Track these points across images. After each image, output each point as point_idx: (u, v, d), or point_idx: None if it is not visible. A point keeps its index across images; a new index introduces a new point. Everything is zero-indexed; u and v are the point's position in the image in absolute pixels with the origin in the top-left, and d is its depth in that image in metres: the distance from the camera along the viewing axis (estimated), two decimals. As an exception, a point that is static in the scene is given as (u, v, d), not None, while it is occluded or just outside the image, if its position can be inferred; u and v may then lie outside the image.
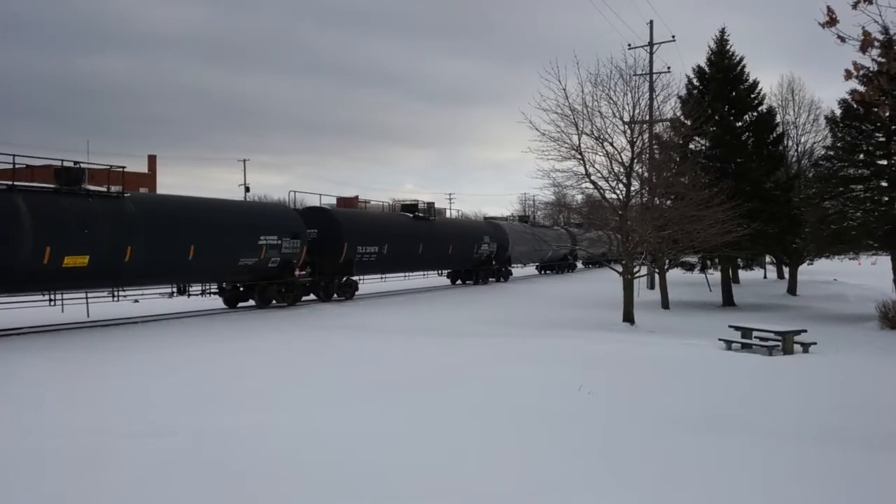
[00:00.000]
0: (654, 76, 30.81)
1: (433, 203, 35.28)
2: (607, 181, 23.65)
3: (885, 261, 29.14)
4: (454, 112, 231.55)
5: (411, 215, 33.46)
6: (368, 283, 31.43)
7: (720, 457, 7.11)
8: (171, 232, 19.71)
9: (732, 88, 31.79)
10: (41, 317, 19.20)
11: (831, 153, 29.05)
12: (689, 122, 27.72)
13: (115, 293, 20.47)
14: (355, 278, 28.52)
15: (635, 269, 23.82)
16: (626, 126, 23.16)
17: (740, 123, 32.16)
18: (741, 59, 32.28)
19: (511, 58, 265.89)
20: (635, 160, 23.65)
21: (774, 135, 33.50)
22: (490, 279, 40.97)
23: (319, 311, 23.31)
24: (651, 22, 35.89)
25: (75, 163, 18.37)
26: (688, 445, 7.50)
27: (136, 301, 24.26)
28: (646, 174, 25.81)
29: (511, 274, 43.78)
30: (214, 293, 24.00)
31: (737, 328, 17.89)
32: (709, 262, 33.03)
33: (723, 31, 32.46)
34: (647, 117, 26.27)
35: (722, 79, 31.62)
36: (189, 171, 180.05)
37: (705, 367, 13.15)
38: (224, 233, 21.58)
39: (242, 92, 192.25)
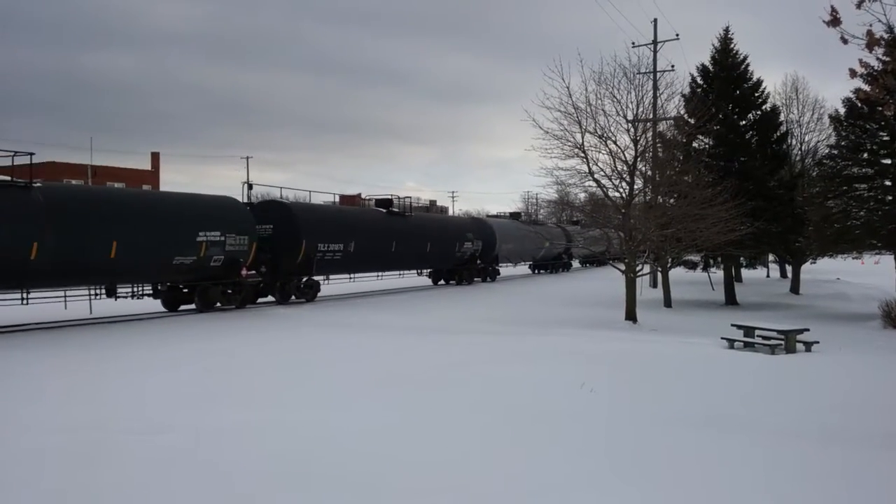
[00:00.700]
0: (658, 74, 30.84)
1: (409, 197, 33.41)
2: (610, 179, 23.63)
3: (888, 260, 29.11)
4: (458, 110, 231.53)
5: (385, 211, 31.26)
6: (337, 284, 29.64)
7: (722, 455, 7.11)
8: (89, 226, 17.65)
9: (736, 87, 31.73)
10: (44, 314, 19.24)
11: (835, 152, 29.00)
12: (692, 121, 27.69)
13: (25, 296, 17.87)
14: (317, 279, 26.51)
15: (638, 268, 23.80)
16: (630, 124, 23.12)
17: (744, 122, 32.11)
18: (745, 58, 32.22)
19: (515, 56, 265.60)
20: (639, 158, 23.60)
21: (778, 133, 33.44)
22: (476, 279, 39.09)
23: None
24: (655, 20, 35.82)
25: None
26: (690, 444, 7.50)
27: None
28: (649, 172, 25.77)
29: (498, 273, 42.08)
30: (149, 295, 21.32)
31: (739, 327, 17.86)
32: (711, 261, 32.99)
33: (727, 30, 32.39)
34: (651, 115, 26.22)
35: (726, 77, 31.56)
36: (193, 168, 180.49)
37: (708, 366, 13.14)
38: (155, 228, 19.33)
39: (246, 89, 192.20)
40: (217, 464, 6.58)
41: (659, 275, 33.43)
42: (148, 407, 8.88)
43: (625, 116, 22.96)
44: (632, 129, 23.17)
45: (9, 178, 17.10)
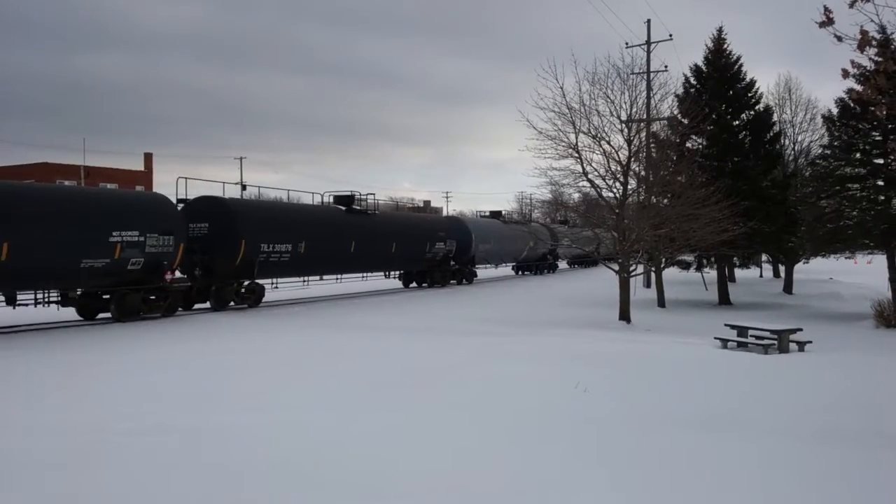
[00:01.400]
0: (652, 75, 30.79)
1: (373, 194, 30.85)
2: (604, 179, 23.67)
3: (880, 260, 29.18)
4: (453, 110, 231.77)
5: (344, 208, 28.90)
6: (287, 289, 28.06)
7: (717, 455, 7.12)
8: None
9: (729, 87, 31.80)
10: (40, 315, 19.16)
11: (828, 152, 29.08)
12: (686, 121, 27.73)
13: None
14: (262, 282, 24.28)
15: (632, 268, 23.83)
16: (624, 124, 23.17)
17: (737, 122, 32.17)
18: (738, 58, 32.31)
19: (510, 57, 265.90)
20: (632, 159, 23.66)
21: (771, 133, 33.53)
22: (451, 281, 36.91)
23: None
24: (648, 21, 35.84)
25: None
26: (684, 443, 7.50)
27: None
28: (643, 173, 25.81)
29: (475, 275, 39.74)
30: (56, 302, 18.94)
31: (733, 327, 17.91)
32: (705, 261, 33.05)
33: (720, 30, 32.47)
34: (645, 116, 26.26)
35: (719, 78, 31.63)
36: (186, 169, 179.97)
37: (702, 366, 13.16)
38: (57, 227, 17.05)
39: (240, 90, 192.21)
40: (220, 462, 6.56)
41: (653, 275, 33.49)
42: (142, 408, 8.84)
43: (618, 117, 23.02)
44: (625, 130, 23.22)
45: None
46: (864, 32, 6.43)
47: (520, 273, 50.26)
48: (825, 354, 15.81)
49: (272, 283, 25.91)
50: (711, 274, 34.91)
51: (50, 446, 7.11)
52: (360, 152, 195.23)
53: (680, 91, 31.09)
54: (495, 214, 45.49)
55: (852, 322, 24.87)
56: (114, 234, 18.34)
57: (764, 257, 45.04)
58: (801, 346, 16.72)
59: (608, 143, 22.99)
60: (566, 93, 22.49)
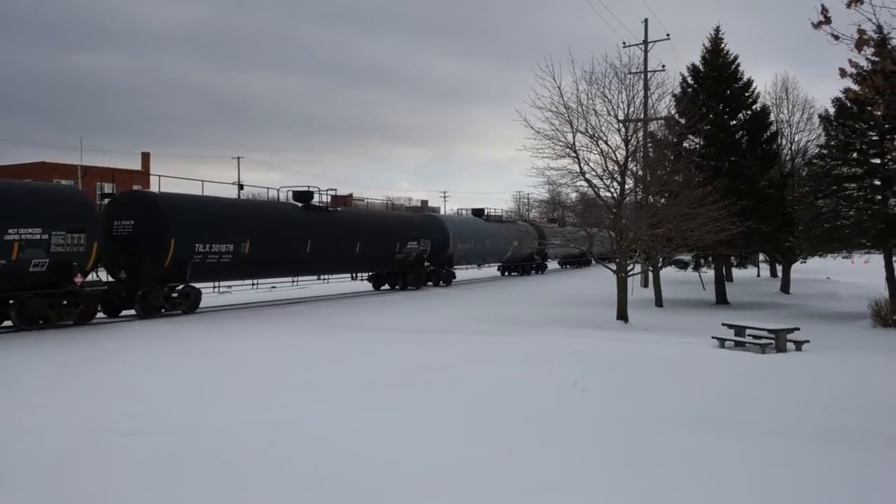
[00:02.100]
0: (649, 74, 30.85)
1: (335, 190, 28.82)
2: (602, 179, 23.68)
3: (877, 259, 29.21)
4: (450, 110, 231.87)
5: (301, 205, 26.46)
6: (239, 292, 25.89)
7: (714, 454, 7.12)
8: None
9: (727, 87, 31.84)
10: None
11: (825, 152, 29.12)
12: (683, 121, 27.78)
13: None
14: (198, 286, 21.81)
15: (629, 268, 23.85)
16: (621, 124, 23.19)
17: (734, 122, 32.22)
18: (735, 58, 32.35)
19: (507, 56, 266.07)
20: (630, 158, 23.67)
21: (768, 133, 33.59)
22: (428, 283, 34.48)
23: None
24: (646, 20, 35.91)
25: None
26: (682, 443, 7.51)
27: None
28: (640, 172, 25.84)
29: (454, 276, 36.99)
30: None
31: (730, 326, 17.93)
32: (702, 261, 33.10)
33: (717, 30, 32.51)
34: (642, 115, 26.29)
35: (716, 77, 31.67)
36: (184, 168, 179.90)
37: (699, 366, 13.17)
38: None
39: (238, 89, 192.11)
40: (219, 461, 6.55)
41: (650, 274, 33.51)
42: (147, 407, 8.83)
43: (616, 116, 23.04)
44: (623, 129, 23.24)
45: None
46: (861, 32, 6.44)
47: (505, 274, 47.94)
48: (822, 354, 15.84)
49: (214, 288, 23.58)
50: (709, 273, 34.96)
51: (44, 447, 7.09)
52: (358, 151, 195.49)
53: (677, 91, 31.12)
54: (478, 212, 42.99)
55: (849, 321, 24.92)
56: (10, 232, 16.17)
57: (761, 257, 45.13)
58: (799, 345, 16.75)
59: (605, 142, 23.03)
60: (564, 92, 22.53)
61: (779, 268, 44.06)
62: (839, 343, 18.77)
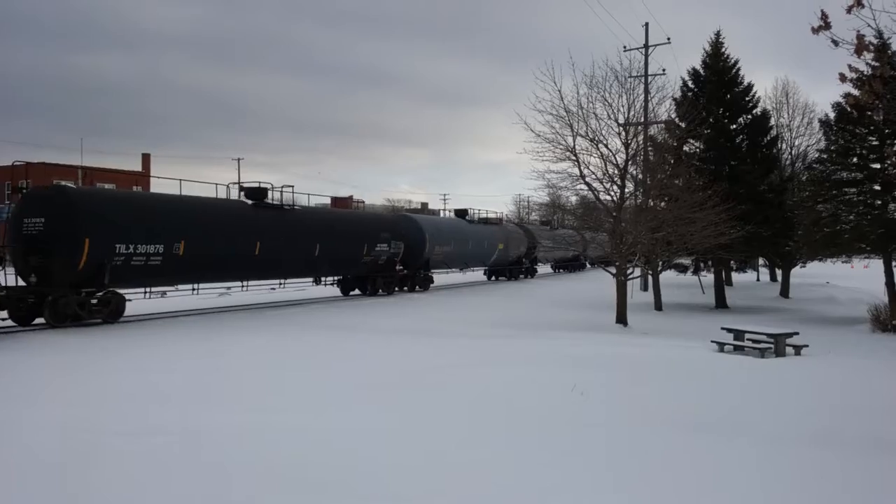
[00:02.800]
0: (650, 78, 30.87)
1: (293, 187, 25.91)
2: (602, 183, 23.73)
3: (877, 264, 29.26)
4: (451, 112, 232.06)
5: (251, 202, 23.81)
6: (180, 297, 23.34)
7: (715, 458, 7.12)
8: None
9: (727, 91, 31.90)
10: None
11: (825, 156, 29.17)
12: (683, 125, 27.80)
13: None
14: (122, 291, 19.38)
15: (629, 271, 23.86)
16: (621, 128, 23.22)
17: (734, 126, 32.28)
18: (736, 62, 32.42)
19: (508, 59, 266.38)
20: (630, 162, 23.70)
21: (768, 137, 33.66)
22: (404, 288, 32.17)
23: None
24: (647, 24, 35.92)
25: None
26: (683, 447, 7.51)
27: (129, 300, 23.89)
28: (640, 176, 25.87)
29: (431, 281, 34.42)
30: None
31: (729, 330, 17.91)
32: (702, 265, 33.12)
33: (718, 34, 32.58)
34: (642, 119, 26.32)
35: (717, 81, 31.72)
36: (184, 170, 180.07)
37: (699, 370, 13.16)
38: None
39: (238, 91, 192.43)
40: (215, 463, 6.54)
41: (650, 278, 33.53)
42: (141, 408, 8.82)
43: (616, 120, 23.08)
44: (623, 133, 23.28)
45: None
46: (860, 37, 6.44)
47: (493, 278, 45.19)
48: (821, 358, 15.83)
49: (146, 293, 20.80)
50: (708, 277, 35.00)
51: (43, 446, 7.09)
52: (358, 153, 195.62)
53: (677, 94, 31.21)
54: (461, 213, 40.67)
55: (849, 326, 24.93)
56: None
57: (761, 261, 45.14)
58: (798, 349, 16.74)
59: (606, 146, 23.08)
60: (564, 96, 22.60)
61: (778, 272, 44.09)
62: (838, 348, 18.77)
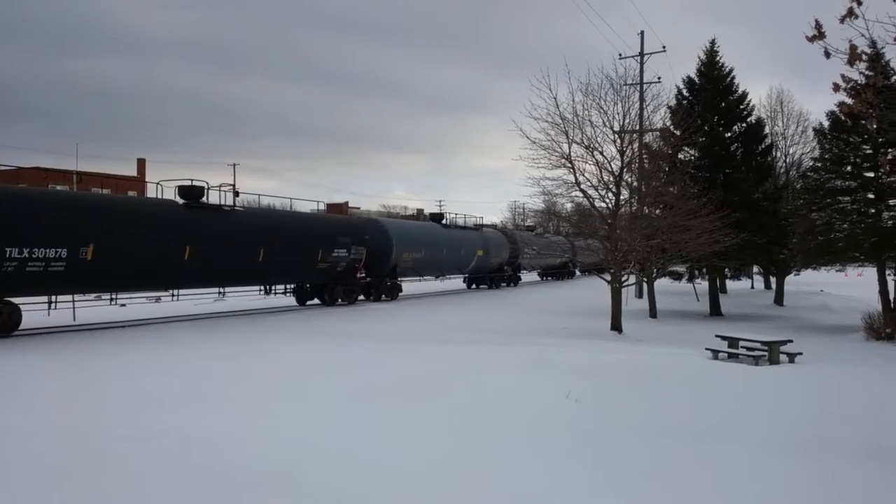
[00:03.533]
0: (645, 86, 31.02)
1: (232, 185, 24.16)
2: (597, 190, 23.78)
3: (871, 272, 29.36)
4: (448, 119, 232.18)
5: (183, 202, 21.66)
6: (88, 308, 20.45)
7: (709, 466, 7.12)
8: None
9: (722, 99, 32.04)
10: (28, 320, 19.04)
11: (819, 165, 29.31)
12: (678, 132, 27.89)
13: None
14: (16, 302, 17.36)
15: (624, 278, 23.90)
16: (616, 135, 23.28)
17: (729, 134, 32.43)
18: (731, 70, 32.58)
19: (505, 66, 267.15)
20: (625, 169, 23.76)
21: (763, 146, 33.79)
22: (370, 297, 30.19)
23: None
24: (642, 33, 36.17)
25: None
26: (676, 455, 7.51)
27: (124, 305, 23.88)
28: (635, 183, 25.93)
29: (399, 290, 32.09)
30: None
31: (723, 338, 17.95)
32: (696, 272, 33.19)
33: (713, 43, 32.73)
34: (637, 127, 26.41)
35: (711, 89, 31.87)
36: (179, 175, 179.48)
37: (693, 377, 13.18)
38: None
39: (234, 96, 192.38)
40: (213, 469, 6.53)
41: (644, 285, 33.59)
42: (139, 413, 8.79)
43: (611, 127, 23.15)
44: (618, 140, 23.33)
45: None
46: (853, 47, 6.48)
47: (476, 286, 42.76)
48: (816, 366, 15.88)
49: (51, 303, 18.56)
50: (703, 285, 35.06)
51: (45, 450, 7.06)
52: (355, 160, 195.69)
53: (672, 102, 31.32)
54: (436, 217, 38.49)
55: (843, 334, 24.99)
56: None
57: (755, 269, 45.31)
58: (792, 357, 16.78)
59: (601, 153, 23.14)
60: (559, 103, 22.71)
61: (773, 280, 44.22)
62: (832, 356, 18.81)
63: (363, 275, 29.75)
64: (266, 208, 26.49)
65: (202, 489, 6.11)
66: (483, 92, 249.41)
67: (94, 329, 18.94)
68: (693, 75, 32.79)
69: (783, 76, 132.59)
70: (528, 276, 51.01)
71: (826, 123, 28.29)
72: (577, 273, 59.66)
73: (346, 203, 66.21)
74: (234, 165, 77.40)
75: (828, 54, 6.53)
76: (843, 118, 25.79)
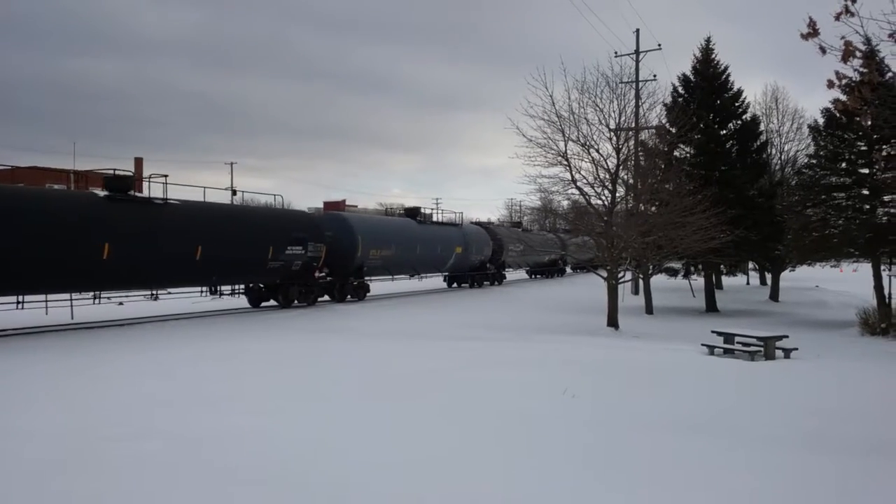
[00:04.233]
0: (640, 84, 31.04)
1: (167, 176, 21.58)
2: (593, 187, 23.84)
3: (866, 268, 29.49)
4: (444, 117, 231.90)
5: (104, 194, 19.22)
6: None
7: (706, 461, 7.17)
8: None
9: (717, 97, 32.13)
10: (26, 319, 19.06)
11: (814, 161, 29.44)
12: (674, 130, 27.98)
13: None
14: None
15: (620, 275, 23.97)
16: (612, 133, 23.34)
17: (725, 131, 32.52)
18: (726, 68, 32.66)
19: (501, 64, 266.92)
20: (621, 167, 23.83)
21: (758, 143, 33.91)
22: (347, 297, 28.40)
23: None
24: (637, 31, 36.33)
25: None
26: (673, 450, 7.56)
27: (121, 304, 23.89)
28: (631, 181, 26.00)
29: (367, 290, 30.19)
30: None
31: (719, 333, 18.02)
32: (692, 268, 33.29)
33: (708, 40, 32.81)
34: (633, 124, 26.47)
35: (707, 87, 31.96)
36: (177, 174, 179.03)
37: (689, 372, 13.25)
38: None
39: (232, 95, 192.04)
40: (208, 468, 6.57)
41: (640, 282, 33.67)
42: (134, 412, 8.83)
43: (607, 125, 23.20)
44: (614, 138, 23.39)
45: None
46: (847, 44, 6.54)
47: (458, 285, 40.91)
48: (811, 361, 15.96)
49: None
50: (699, 281, 35.16)
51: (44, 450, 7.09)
52: (351, 158, 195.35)
53: (668, 100, 31.39)
54: (411, 212, 35.97)
55: (838, 329, 25.12)
56: None
57: (750, 265, 45.46)
58: (787, 352, 16.86)
59: (597, 151, 23.20)
60: (555, 101, 22.69)
61: (768, 276, 44.37)
62: (828, 351, 18.91)
63: (323, 274, 27.60)
64: (207, 202, 23.36)
65: (193, 491, 6.14)
66: (479, 90, 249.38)
67: (76, 328, 18.95)
68: (688, 73, 32.87)
69: (778, 73, 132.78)
70: (515, 275, 49.37)
71: (821, 120, 28.44)
72: (569, 270, 59.16)
73: (344, 201, 66.13)
74: (232, 164, 76.96)
75: (823, 51, 6.58)
76: (837, 115, 25.90)
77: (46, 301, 18.92)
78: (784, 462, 7.14)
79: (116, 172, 19.99)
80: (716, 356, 16.57)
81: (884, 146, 26.27)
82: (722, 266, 34.28)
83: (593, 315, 25.10)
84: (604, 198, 23.85)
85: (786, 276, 42.20)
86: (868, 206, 26.54)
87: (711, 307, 32.17)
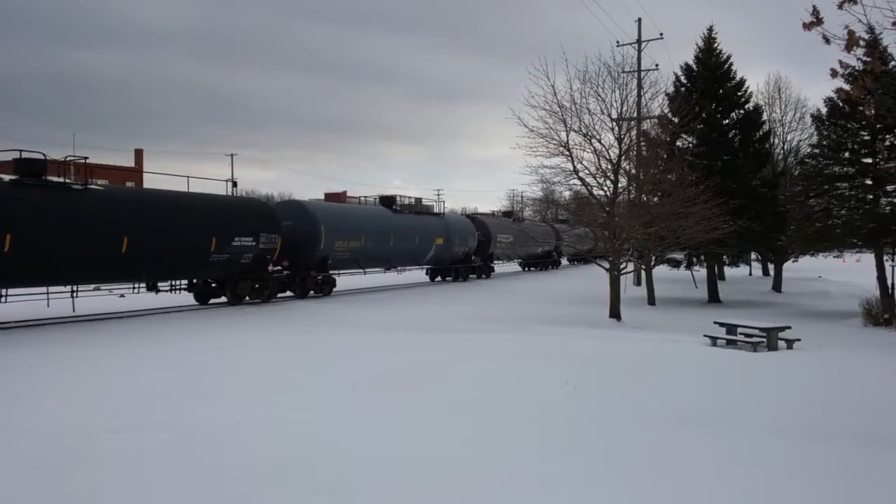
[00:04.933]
0: (642, 73, 30.94)
1: (87, 158, 19.44)
2: (595, 178, 23.76)
3: (868, 258, 29.43)
4: (445, 108, 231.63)
5: (9, 179, 16.88)
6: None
7: (710, 452, 7.15)
8: None
9: (719, 86, 32.00)
10: (27, 311, 19.06)
11: (817, 151, 29.32)
12: (676, 120, 27.86)
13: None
14: None
15: (622, 266, 23.93)
16: (614, 123, 23.26)
17: (727, 121, 32.40)
18: (728, 57, 32.52)
19: (502, 54, 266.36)
20: (623, 157, 23.75)
21: (761, 132, 33.78)
22: (311, 294, 26.34)
23: None
24: (639, 19, 36.11)
25: None
26: (677, 441, 7.54)
27: (122, 296, 23.86)
28: (633, 171, 25.93)
29: (332, 284, 27.61)
30: None
31: (722, 324, 18.01)
32: (695, 259, 33.24)
33: (710, 29, 32.66)
34: (635, 114, 26.38)
35: (709, 76, 31.83)
36: (177, 166, 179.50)
37: (692, 363, 13.22)
38: None
39: (232, 87, 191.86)
40: (208, 461, 6.56)
41: (643, 273, 33.63)
42: (133, 405, 8.82)
43: (609, 115, 23.12)
44: (616, 128, 23.32)
45: None
46: (850, 33, 6.48)
47: (442, 279, 38.57)
48: (813, 352, 15.93)
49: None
50: (701, 272, 35.11)
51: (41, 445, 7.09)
52: (352, 149, 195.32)
53: (670, 90, 31.30)
54: (387, 200, 33.23)
55: (841, 320, 25.08)
56: None
57: (753, 255, 45.39)
58: (790, 343, 16.84)
59: (599, 141, 23.12)
60: (557, 91, 22.60)
61: (771, 266, 44.29)
62: (831, 341, 18.88)
63: (278, 268, 25.28)
64: (136, 187, 20.69)
65: (194, 484, 6.14)
66: (480, 80, 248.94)
67: (78, 321, 18.95)
68: (691, 62, 32.75)
69: (781, 63, 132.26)
70: (505, 267, 47.77)
71: (824, 110, 28.29)
72: (564, 262, 58.35)
73: (345, 192, 66.15)
74: (232, 156, 76.99)
75: (826, 40, 6.53)
76: (840, 104, 25.79)
77: (48, 294, 18.87)
78: (789, 453, 7.11)
79: (23, 154, 17.37)
80: (718, 347, 16.56)
81: (887, 135, 26.15)
82: (724, 257, 34.24)
83: (593, 306, 25.06)
84: (606, 188, 23.80)
85: (788, 266, 42.10)
86: (871, 196, 26.44)
87: (714, 298, 32.13)
